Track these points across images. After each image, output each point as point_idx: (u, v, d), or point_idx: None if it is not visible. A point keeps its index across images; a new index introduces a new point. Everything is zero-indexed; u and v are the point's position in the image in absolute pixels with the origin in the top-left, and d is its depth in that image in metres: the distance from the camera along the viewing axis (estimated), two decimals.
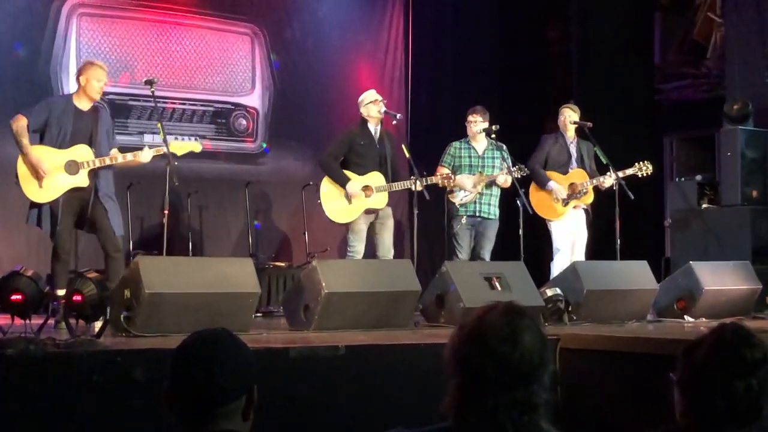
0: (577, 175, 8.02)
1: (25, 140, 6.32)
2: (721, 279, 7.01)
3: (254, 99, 9.86)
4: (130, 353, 4.15)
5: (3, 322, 4.81)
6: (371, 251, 7.55)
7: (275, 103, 9.90)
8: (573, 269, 6.59)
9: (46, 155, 6.30)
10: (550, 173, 8.00)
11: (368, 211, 7.42)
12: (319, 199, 7.45)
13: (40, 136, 6.41)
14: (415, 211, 7.25)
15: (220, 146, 9.43)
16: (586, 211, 8.09)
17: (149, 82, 6.70)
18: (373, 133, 7.54)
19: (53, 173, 6.30)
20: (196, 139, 6.99)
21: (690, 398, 2.30)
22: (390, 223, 7.58)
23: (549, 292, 6.31)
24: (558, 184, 7.95)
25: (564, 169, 8.04)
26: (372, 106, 7.53)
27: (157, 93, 6.91)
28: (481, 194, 7.83)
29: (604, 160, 7.89)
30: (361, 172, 7.42)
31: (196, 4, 9.51)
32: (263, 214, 9.62)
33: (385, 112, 7.55)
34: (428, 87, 10.69)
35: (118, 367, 4.01)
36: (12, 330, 4.57)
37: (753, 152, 9.08)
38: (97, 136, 6.43)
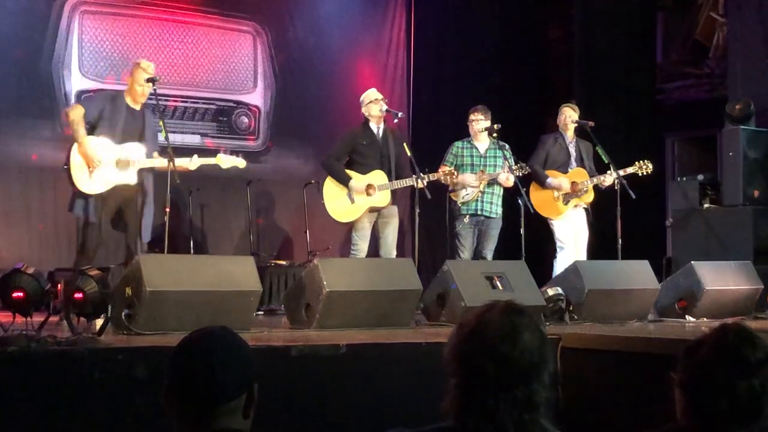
0: (577, 174, 8.03)
1: (82, 129, 6.40)
2: (722, 279, 7.00)
3: (256, 97, 9.87)
4: (132, 351, 4.15)
5: (4, 319, 4.82)
6: (374, 250, 7.55)
7: (277, 102, 9.91)
8: (574, 269, 6.59)
9: (102, 147, 6.36)
10: (550, 173, 8.01)
11: (371, 210, 7.43)
12: (323, 199, 7.46)
13: (92, 127, 6.46)
14: (417, 210, 7.26)
15: (222, 144, 9.43)
16: (586, 210, 8.10)
17: (151, 80, 6.71)
18: (375, 132, 7.54)
19: (104, 167, 6.35)
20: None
21: (691, 398, 2.29)
22: (395, 223, 7.59)
23: (550, 292, 6.31)
24: (557, 179, 7.96)
25: (564, 169, 8.05)
26: (373, 105, 7.53)
27: (159, 91, 6.91)
28: (483, 193, 7.83)
29: (605, 160, 7.89)
30: (363, 171, 7.43)
31: (198, 2, 9.51)
32: (265, 213, 9.62)
33: (386, 110, 7.56)
34: (430, 86, 10.69)
35: (120, 364, 4.01)
36: (13, 327, 4.58)
37: (755, 152, 9.07)
38: (146, 137, 6.49)
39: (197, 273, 5.33)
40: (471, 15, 10.75)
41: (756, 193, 9.02)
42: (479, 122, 7.87)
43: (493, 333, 2.04)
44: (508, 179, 7.75)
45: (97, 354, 4.01)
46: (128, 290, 5.01)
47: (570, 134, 8.14)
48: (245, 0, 9.84)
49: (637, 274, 6.78)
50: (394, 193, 7.54)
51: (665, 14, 11.47)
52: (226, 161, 6.91)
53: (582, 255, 7.93)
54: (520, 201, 7.57)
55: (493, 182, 7.84)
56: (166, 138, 6.59)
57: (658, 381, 2.51)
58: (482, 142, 7.95)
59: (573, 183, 7.98)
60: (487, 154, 7.94)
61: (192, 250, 8.47)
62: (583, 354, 5.00)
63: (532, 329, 2.06)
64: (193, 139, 9.32)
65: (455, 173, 7.59)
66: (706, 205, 9.22)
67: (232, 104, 9.72)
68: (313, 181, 8.71)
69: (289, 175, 9.62)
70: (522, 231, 7.68)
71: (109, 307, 4.81)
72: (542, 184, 8.01)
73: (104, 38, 8.99)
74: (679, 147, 10.89)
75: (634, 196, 7.61)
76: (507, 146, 7.92)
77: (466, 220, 7.81)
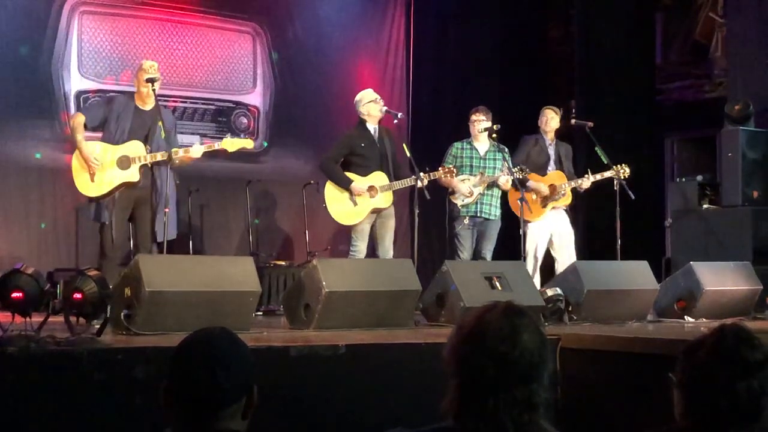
0: (555, 176, 8.06)
1: (80, 136, 6.47)
2: (721, 279, 7.00)
3: (255, 97, 9.87)
4: (131, 351, 4.15)
5: (3, 319, 4.82)
6: (370, 250, 7.55)
7: (276, 102, 9.91)
8: (574, 269, 6.59)
9: (99, 149, 6.38)
10: (529, 175, 8.01)
11: (374, 211, 7.43)
12: (324, 202, 7.42)
13: (102, 133, 6.51)
14: (416, 211, 7.26)
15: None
16: (566, 211, 8.12)
17: (150, 80, 6.71)
18: (372, 132, 7.53)
19: (105, 168, 6.41)
20: (244, 136, 7.04)
21: (690, 399, 2.29)
22: (391, 223, 7.58)
23: (549, 292, 6.31)
24: (536, 182, 7.96)
25: (542, 171, 8.07)
26: (373, 105, 7.52)
27: (158, 91, 6.92)
28: (482, 195, 7.83)
29: (605, 160, 7.89)
30: (364, 173, 7.41)
31: (197, 3, 9.52)
32: (264, 213, 9.62)
33: (386, 110, 7.55)
34: (429, 86, 10.69)
35: (119, 365, 4.01)
36: (12, 328, 4.57)
37: (754, 153, 9.07)
38: (155, 134, 6.50)
39: (196, 273, 5.33)
40: (470, 15, 10.75)
41: (755, 194, 9.02)
42: (480, 123, 7.87)
43: (492, 333, 2.04)
44: (507, 182, 7.76)
45: (96, 354, 4.01)
46: (127, 291, 5.01)
47: (550, 136, 8.19)
48: (245, 1, 9.84)
49: (636, 275, 6.78)
50: (393, 193, 7.53)
51: (664, 15, 11.48)
52: (232, 144, 6.87)
53: (571, 256, 7.93)
54: (519, 202, 7.58)
55: (492, 184, 7.85)
56: (166, 139, 6.60)
57: (658, 381, 2.51)
58: (482, 143, 7.95)
59: (551, 186, 8.00)
60: (487, 156, 7.94)
61: (191, 251, 8.47)
62: (582, 354, 5.00)
63: (531, 330, 2.06)
64: (193, 140, 9.26)
65: (455, 171, 7.60)
66: (705, 206, 9.22)
67: (231, 105, 9.72)
68: (312, 182, 8.71)
69: (289, 176, 9.62)
70: (521, 231, 7.67)
71: (109, 308, 4.80)
72: (522, 185, 7.99)
73: (104, 39, 8.99)
74: (678, 147, 10.90)
75: (633, 197, 7.62)
76: (506, 149, 7.94)
77: (466, 221, 7.81)
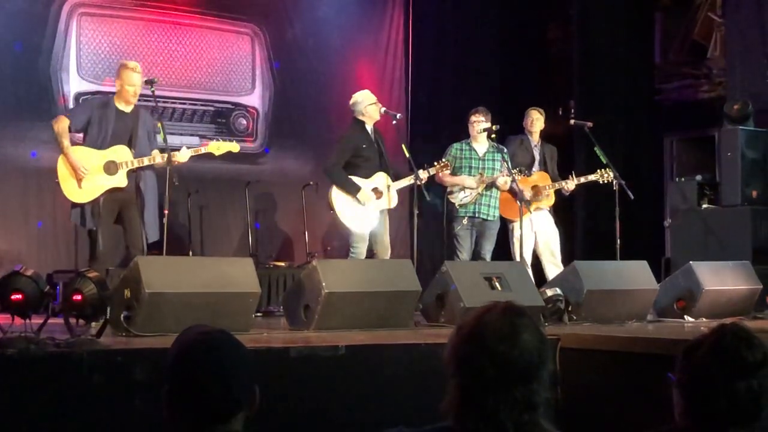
0: (539, 177, 8.08)
1: (66, 141, 6.44)
2: (721, 279, 7.01)
3: (254, 99, 9.87)
4: (131, 353, 4.15)
5: (3, 321, 4.81)
6: (369, 250, 7.54)
7: (275, 103, 9.90)
8: (573, 269, 6.60)
9: (85, 156, 6.41)
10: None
11: (380, 213, 7.44)
12: (332, 209, 7.33)
13: (83, 136, 6.49)
14: (416, 212, 7.27)
15: None
16: (549, 212, 8.14)
17: (149, 82, 6.71)
18: (369, 133, 7.54)
19: (92, 174, 6.40)
20: (231, 140, 7.06)
21: (689, 399, 2.29)
22: (387, 222, 7.58)
23: (549, 292, 6.31)
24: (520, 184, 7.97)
25: (527, 172, 8.09)
26: (374, 107, 7.51)
27: (157, 93, 6.92)
28: (481, 195, 7.84)
29: (604, 160, 7.90)
30: (366, 174, 7.39)
31: (196, 4, 9.51)
32: (263, 214, 9.62)
33: (385, 111, 7.56)
34: (428, 87, 10.69)
35: (119, 366, 4.01)
36: (12, 329, 4.57)
37: (753, 152, 9.07)
38: (137, 137, 6.49)
39: (196, 274, 5.33)
40: (469, 15, 10.75)
41: (754, 194, 9.02)
42: (480, 123, 7.87)
43: (492, 334, 2.04)
44: (505, 183, 7.77)
45: (96, 356, 4.01)
46: (127, 292, 5.01)
47: (535, 137, 8.24)
48: (243, 2, 9.83)
49: (635, 275, 6.78)
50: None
51: (663, 14, 11.48)
52: (218, 147, 6.87)
53: (557, 255, 7.96)
54: (517, 202, 7.59)
55: (491, 185, 7.85)
56: (165, 140, 6.60)
57: (657, 381, 2.51)
58: (481, 144, 7.95)
59: (534, 187, 8.03)
60: (486, 157, 7.95)
61: (191, 252, 8.47)
62: (582, 354, 5.00)
63: (531, 330, 2.06)
64: (192, 141, 9.29)
65: (449, 165, 7.61)
66: (704, 206, 9.22)
67: (230, 106, 9.71)
68: (311, 183, 8.71)
69: (288, 177, 9.62)
70: (521, 231, 7.68)
71: (108, 309, 4.80)
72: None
73: (102, 40, 8.98)
74: (678, 147, 10.87)
75: (632, 197, 7.62)
76: (505, 150, 7.94)
77: (465, 221, 7.82)
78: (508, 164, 7.71)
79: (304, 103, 9.94)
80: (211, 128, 9.55)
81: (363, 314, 5.70)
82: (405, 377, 4.63)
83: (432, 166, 7.50)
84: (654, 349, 4.68)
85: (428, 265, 8.68)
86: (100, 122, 6.47)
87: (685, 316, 6.75)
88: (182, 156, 6.60)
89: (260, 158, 9.82)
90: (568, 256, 8.24)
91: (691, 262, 7.04)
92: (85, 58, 8.87)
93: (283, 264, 8.83)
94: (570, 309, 6.28)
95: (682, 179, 9.72)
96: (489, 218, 7.87)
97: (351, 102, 7.60)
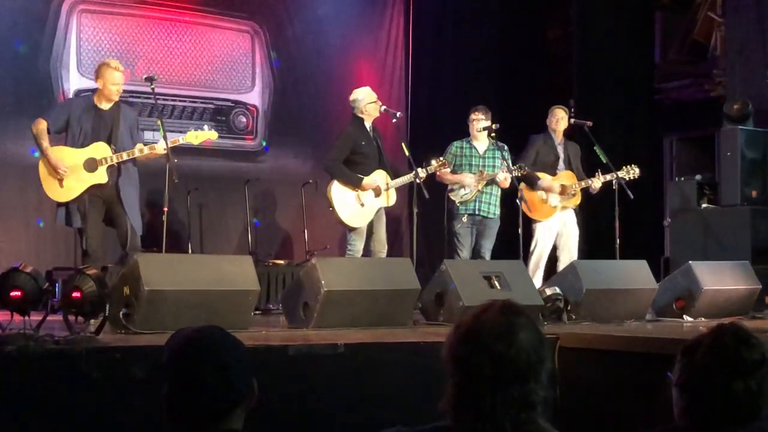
0: (565, 176, 8.06)
1: (45, 143, 6.47)
2: (720, 279, 7.01)
3: (254, 96, 9.87)
4: (130, 350, 4.15)
5: (2, 318, 4.81)
6: (366, 247, 7.55)
7: (275, 101, 9.90)
8: (572, 268, 6.59)
9: (64, 155, 6.43)
10: (540, 174, 8.01)
11: (378, 210, 7.44)
12: (331, 206, 7.35)
13: (64, 136, 6.50)
14: (415, 210, 7.27)
15: (220, 144, 9.41)
16: (575, 210, 8.12)
17: (149, 79, 6.71)
18: (368, 131, 7.54)
19: (73, 172, 6.41)
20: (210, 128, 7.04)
21: (688, 398, 2.30)
22: (384, 219, 7.59)
23: (548, 291, 6.31)
24: (548, 181, 7.97)
25: (552, 171, 8.07)
26: (373, 105, 7.52)
27: (157, 90, 6.93)
28: (481, 193, 7.84)
29: (603, 160, 7.90)
30: (365, 171, 7.40)
31: (196, 2, 9.51)
32: (263, 212, 9.62)
33: (384, 110, 7.56)
34: (428, 85, 10.69)
35: (118, 364, 4.01)
36: (11, 327, 4.57)
37: (753, 152, 9.07)
38: (118, 133, 6.50)
39: (195, 272, 5.33)
40: (469, 15, 10.75)
41: (754, 193, 9.02)
42: (479, 122, 7.88)
43: (489, 332, 2.04)
44: (506, 179, 7.77)
45: (95, 353, 4.01)
46: (126, 289, 5.01)
47: (559, 136, 8.18)
48: (243, 0, 9.84)
49: (635, 274, 6.78)
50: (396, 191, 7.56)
51: (663, 14, 11.48)
52: (196, 137, 6.87)
53: (573, 255, 7.95)
54: (518, 201, 7.59)
55: (491, 182, 7.86)
56: (164, 137, 6.60)
57: (656, 381, 2.51)
58: (481, 142, 7.95)
59: (562, 186, 8.00)
60: (486, 155, 7.95)
61: (190, 250, 8.47)
62: (580, 354, 5.00)
63: (528, 329, 2.06)
64: None
65: (447, 163, 7.62)
66: (704, 205, 9.22)
67: (230, 104, 9.71)
68: (311, 181, 8.72)
69: (287, 175, 9.62)
70: (520, 231, 7.68)
71: (107, 307, 4.80)
72: (533, 185, 7.99)
73: (102, 37, 8.98)
74: (677, 147, 10.89)
75: (632, 196, 7.62)
76: (506, 147, 7.94)
77: (465, 219, 7.82)
78: (508, 162, 7.72)
79: (304, 101, 9.94)
80: (210, 126, 9.52)
81: (362, 313, 5.70)
82: (404, 376, 4.63)
83: (430, 164, 7.50)
84: (653, 349, 4.68)
85: (427, 263, 8.69)
86: (79, 121, 6.50)
87: (684, 316, 6.75)
88: (160, 148, 6.59)
89: (260, 156, 9.82)
90: None
91: (690, 261, 7.03)
92: (85, 56, 8.86)
93: (282, 262, 8.84)
94: (569, 308, 6.28)
95: (682, 179, 9.73)
96: (489, 216, 7.87)
97: (351, 98, 7.60)
